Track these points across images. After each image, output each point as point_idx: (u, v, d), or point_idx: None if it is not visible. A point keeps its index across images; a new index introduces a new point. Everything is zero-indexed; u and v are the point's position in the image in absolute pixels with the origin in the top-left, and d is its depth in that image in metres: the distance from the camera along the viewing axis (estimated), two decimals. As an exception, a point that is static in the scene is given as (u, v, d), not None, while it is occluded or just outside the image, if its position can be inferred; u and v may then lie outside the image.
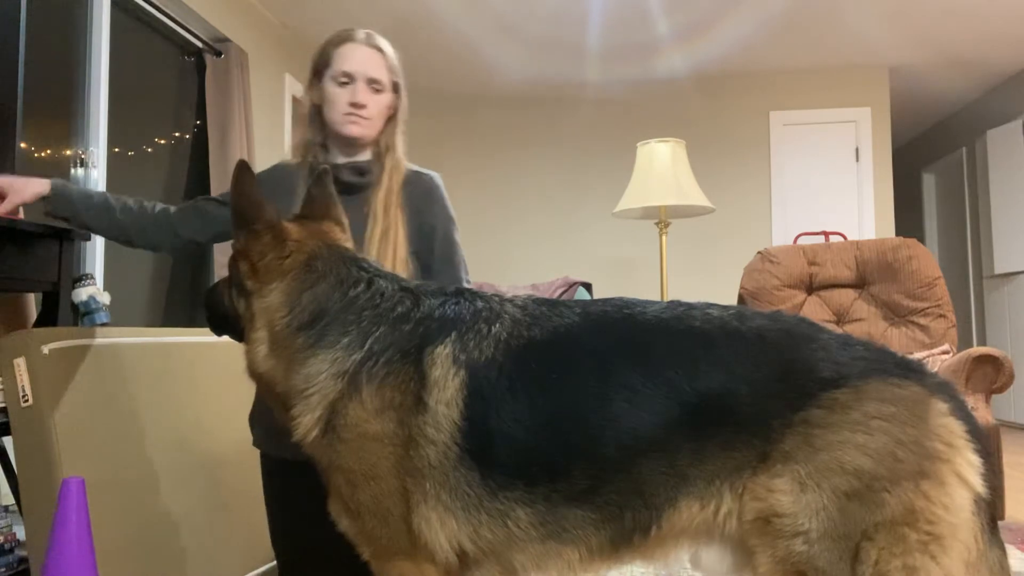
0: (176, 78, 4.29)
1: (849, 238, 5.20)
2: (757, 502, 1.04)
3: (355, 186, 1.71)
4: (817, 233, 5.42)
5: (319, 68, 1.75)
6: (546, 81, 5.88)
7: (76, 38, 3.46)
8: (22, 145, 2.30)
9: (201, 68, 4.23)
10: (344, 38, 1.77)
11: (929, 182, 7.63)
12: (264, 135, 4.63)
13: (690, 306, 1.17)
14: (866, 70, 5.82)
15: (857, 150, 5.89)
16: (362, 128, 1.71)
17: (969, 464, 1.03)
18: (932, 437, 1.03)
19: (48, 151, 3.46)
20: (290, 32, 5.04)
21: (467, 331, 1.15)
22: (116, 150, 3.61)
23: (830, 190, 5.87)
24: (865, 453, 1.01)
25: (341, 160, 1.75)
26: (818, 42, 5.36)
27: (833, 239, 5.23)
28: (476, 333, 1.15)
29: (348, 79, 1.70)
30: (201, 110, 4.20)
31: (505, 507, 1.09)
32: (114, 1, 3.56)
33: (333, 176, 1.50)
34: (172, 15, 3.94)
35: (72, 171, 3.47)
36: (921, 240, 5.18)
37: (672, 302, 1.19)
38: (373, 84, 1.73)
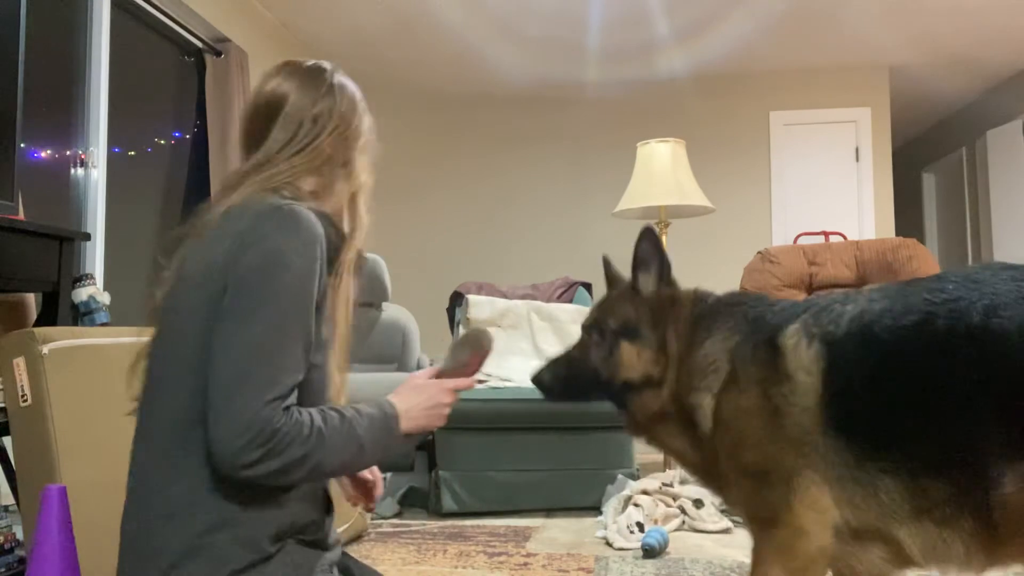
0: (176, 78, 4.29)
1: (849, 238, 5.20)
2: None
3: None
4: (817, 233, 5.41)
5: (360, 132, 1.38)
6: (546, 81, 5.88)
7: (76, 38, 3.46)
8: (22, 145, 2.29)
9: (201, 68, 4.23)
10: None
11: (929, 182, 7.63)
12: (264, 135, 4.63)
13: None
14: (866, 70, 5.82)
15: (857, 150, 5.89)
16: None
17: None
18: None
19: (48, 151, 3.46)
20: (290, 32, 5.04)
21: (820, 312, 1.26)
22: (116, 150, 3.61)
23: (830, 190, 5.87)
24: None
25: None
26: (818, 42, 5.36)
27: (833, 239, 5.22)
28: (830, 312, 1.25)
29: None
30: (201, 110, 4.20)
31: (872, 476, 1.14)
32: (114, 1, 3.56)
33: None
34: (172, 15, 3.94)
35: (72, 171, 3.47)
36: (921, 240, 5.18)
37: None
38: None
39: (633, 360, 1.40)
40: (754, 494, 1.25)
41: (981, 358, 1.07)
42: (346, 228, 1.33)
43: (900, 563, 1.18)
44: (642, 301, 1.44)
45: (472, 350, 1.37)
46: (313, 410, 1.15)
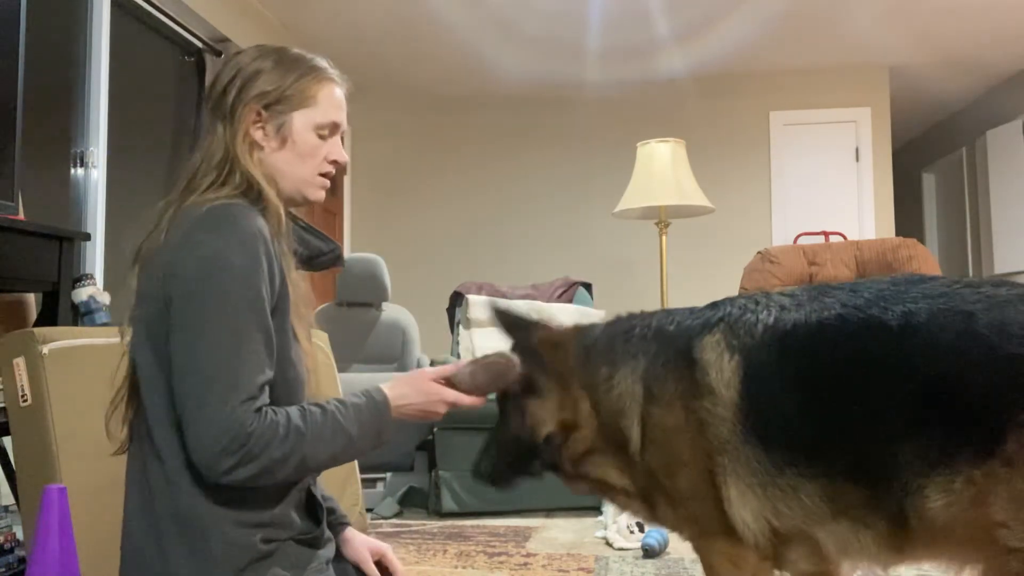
0: (176, 78, 4.29)
1: (849, 238, 5.20)
2: None
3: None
4: (817, 233, 5.42)
5: (291, 104, 1.30)
6: (546, 81, 5.88)
7: (76, 38, 3.46)
8: (22, 145, 2.29)
9: (201, 68, 4.23)
10: (331, 77, 1.35)
11: (929, 182, 7.63)
12: (264, 135, 4.63)
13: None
14: (866, 70, 5.82)
15: (857, 150, 5.89)
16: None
17: None
18: None
19: (48, 151, 3.45)
20: (290, 32, 5.04)
21: (736, 321, 1.24)
22: (116, 150, 3.61)
23: (830, 190, 5.87)
24: None
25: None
26: (818, 42, 5.36)
27: (833, 239, 5.23)
28: (745, 322, 1.23)
29: (332, 132, 1.34)
30: (201, 110, 4.20)
31: (794, 482, 1.16)
32: (114, 1, 3.56)
33: (306, 242, 1.40)
34: (172, 15, 3.94)
35: (72, 171, 3.47)
36: (921, 240, 5.18)
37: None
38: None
39: (543, 413, 1.37)
40: (692, 511, 1.27)
41: (895, 372, 1.10)
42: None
43: (815, 560, 1.22)
44: (529, 356, 1.40)
45: (492, 379, 1.34)
46: (293, 408, 1.15)
